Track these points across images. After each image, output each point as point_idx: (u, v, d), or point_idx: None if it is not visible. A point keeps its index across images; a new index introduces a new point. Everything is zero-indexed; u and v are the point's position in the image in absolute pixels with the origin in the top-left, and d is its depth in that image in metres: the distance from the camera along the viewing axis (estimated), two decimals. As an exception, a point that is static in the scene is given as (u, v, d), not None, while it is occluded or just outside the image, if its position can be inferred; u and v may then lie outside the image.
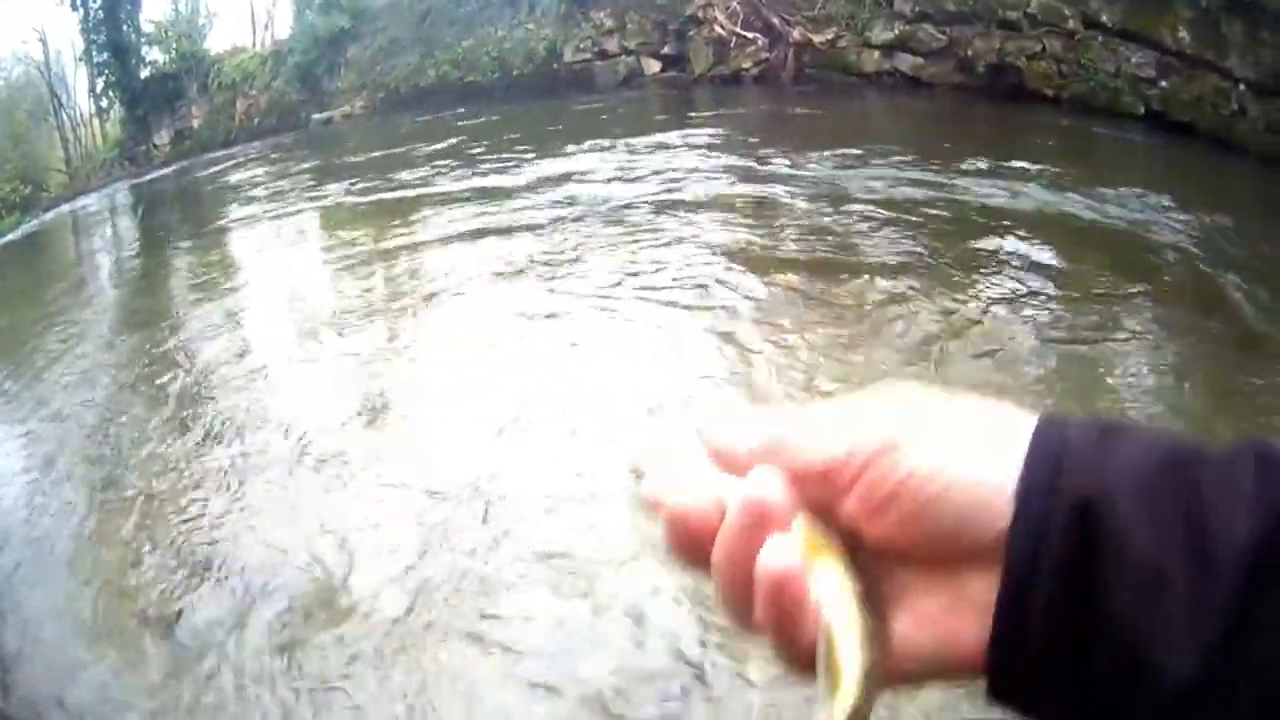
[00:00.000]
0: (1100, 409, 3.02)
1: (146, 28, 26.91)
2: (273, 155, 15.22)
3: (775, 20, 12.64)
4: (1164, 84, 8.97)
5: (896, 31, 11.51)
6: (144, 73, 26.52)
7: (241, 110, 22.81)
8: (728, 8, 13.06)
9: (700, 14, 13.40)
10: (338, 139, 15.48)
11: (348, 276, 6.19)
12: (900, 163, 6.77)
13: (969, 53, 10.88)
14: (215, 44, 26.66)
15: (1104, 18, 9.56)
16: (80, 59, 29.41)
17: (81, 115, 35.46)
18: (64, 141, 35.05)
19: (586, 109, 12.37)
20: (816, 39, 12.27)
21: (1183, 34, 8.75)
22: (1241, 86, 8.15)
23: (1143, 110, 9.13)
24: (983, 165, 6.61)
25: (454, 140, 11.23)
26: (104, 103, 28.46)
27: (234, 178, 13.30)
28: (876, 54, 11.76)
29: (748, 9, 12.90)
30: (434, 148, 10.92)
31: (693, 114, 10.96)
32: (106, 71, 26.88)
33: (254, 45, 24.88)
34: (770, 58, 12.58)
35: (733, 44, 12.95)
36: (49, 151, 37.34)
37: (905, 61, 11.53)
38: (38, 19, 35.83)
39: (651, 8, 14.01)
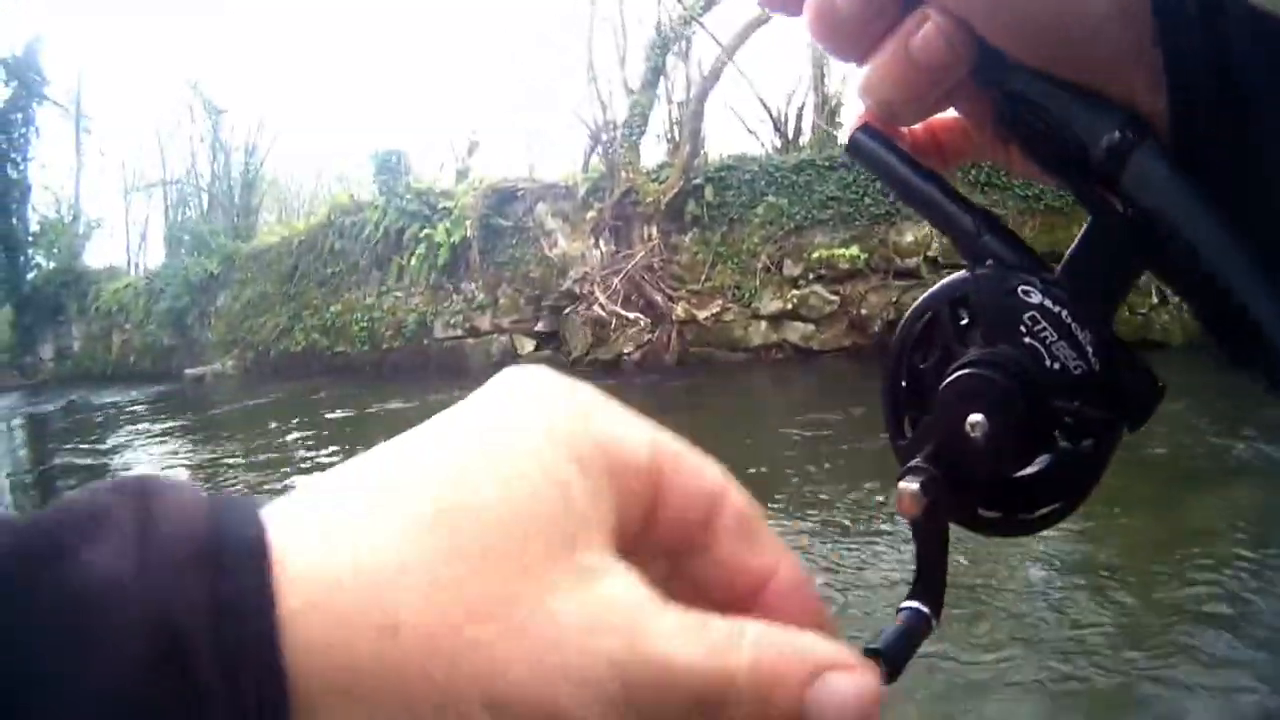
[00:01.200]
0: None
1: (34, 226, 25.39)
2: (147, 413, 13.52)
3: (658, 297, 11.30)
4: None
5: (786, 298, 10.70)
6: (30, 275, 24.84)
7: (118, 344, 21.05)
8: (607, 285, 11.47)
9: (577, 289, 11.81)
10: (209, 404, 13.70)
11: None
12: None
13: (862, 312, 10.29)
14: (94, 258, 24.80)
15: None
16: None
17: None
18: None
19: (449, 399, 10.46)
20: (701, 315, 11.10)
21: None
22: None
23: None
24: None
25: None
26: None
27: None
28: (764, 325, 10.89)
29: (628, 285, 11.40)
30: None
31: None
32: None
33: (129, 269, 22.91)
34: (653, 339, 11.30)
35: (613, 324, 11.46)
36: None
37: (795, 330, 10.78)
38: None
39: (524, 281, 12.44)
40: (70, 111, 25.38)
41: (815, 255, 10.25)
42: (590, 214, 12.00)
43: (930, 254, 9.80)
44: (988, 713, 2.73)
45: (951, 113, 0.33)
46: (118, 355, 21.11)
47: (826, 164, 10.45)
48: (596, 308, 11.52)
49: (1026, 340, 0.29)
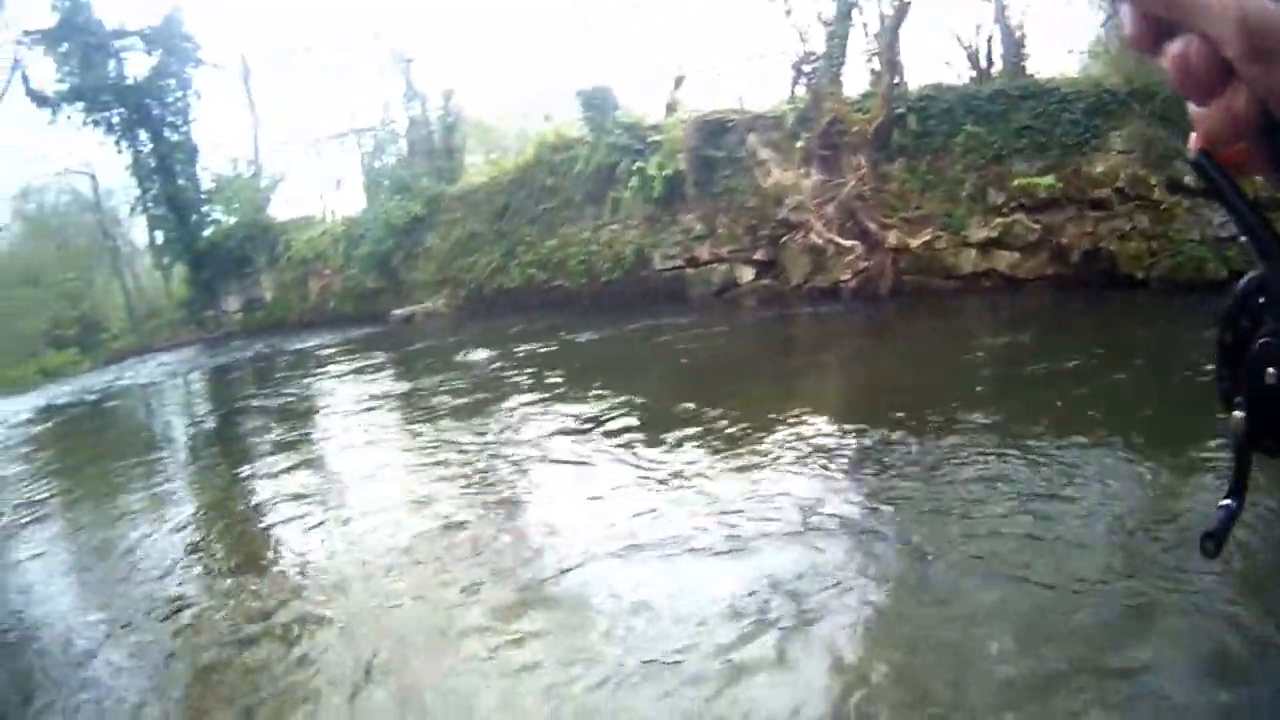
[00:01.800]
0: None
1: (206, 183, 32.50)
2: (357, 351, 18.81)
3: (871, 225, 14.91)
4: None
5: (991, 226, 13.86)
6: (207, 232, 31.99)
7: (316, 290, 26.95)
8: (821, 213, 15.26)
9: (792, 217, 15.69)
10: (424, 344, 18.88)
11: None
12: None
13: (1063, 241, 13.23)
14: (279, 210, 31.18)
15: (1187, 179, 11.81)
16: (135, 207, 34.97)
17: (142, 264, 41.06)
18: (125, 290, 40.39)
19: (676, 333, 14.59)
20: (913, 243, 14.61)
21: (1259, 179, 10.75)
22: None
23: (1225, 274, 11.22)
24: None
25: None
26: (165, 259, 34.16)
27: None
28: (974, 253, 14.11)
29: (842, 213, 15.14)
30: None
31: (792, 357, 12.82)
32: (165, 226, 32.57)
33: (323, 217, 28.90)
34: (868, 266, 14.85)
35: (829, 252, 15.22)
36: (107, 296, 43.37)
37: (1002, 259, 13.88)
38: (82, 152, 41.54)
39: (741, 211, 16.55)
40: (235, 71, 32.27)
41: (1016, 184, 13.55)
42: (799, 143, 15.88)
43: (1119, 185, 12.71)
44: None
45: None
46: (315, 301, 27.26)
47: (1018, 93, 13.88)
48: (813, 235, 15.46)
49: None
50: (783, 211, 15.95)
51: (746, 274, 16.70)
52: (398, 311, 22.72)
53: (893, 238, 14.63)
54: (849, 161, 15.09)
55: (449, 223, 22.62)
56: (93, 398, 21.62)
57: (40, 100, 30.35)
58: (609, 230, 18.71)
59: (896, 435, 7.16)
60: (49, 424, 18.72)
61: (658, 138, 17.85)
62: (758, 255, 16.55)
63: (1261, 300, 0.55)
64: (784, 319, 15.03)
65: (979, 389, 8.64)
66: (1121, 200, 12.67)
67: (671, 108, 19.05)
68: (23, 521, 9.81)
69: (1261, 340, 0.54)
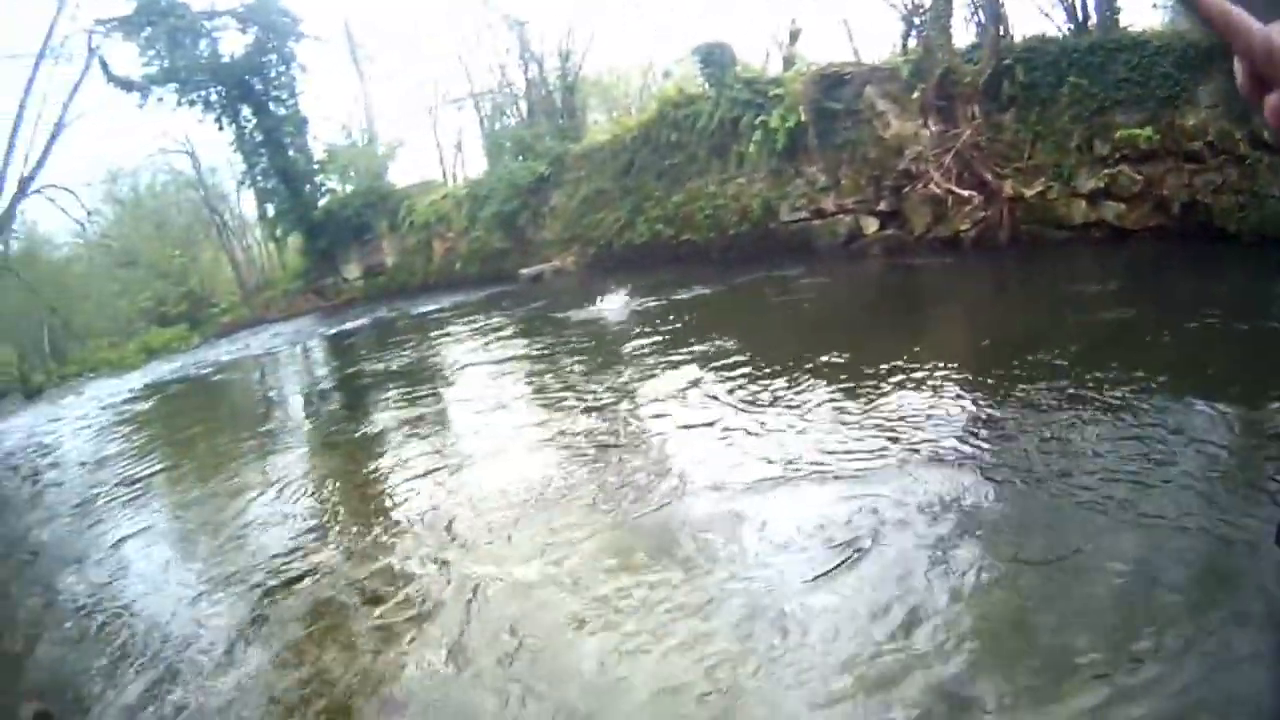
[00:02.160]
0: None
1: (318, 154, 36.88)
2: (485, 310, 20.53)
3: (987, 175, 17.41)
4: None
5: (1099, 177, 15.97)
6: (322, 201, 36.35)
7: (440, 252, 30.97)
8: (940, 163, 18.02)
9: (912, 168, 18.52)
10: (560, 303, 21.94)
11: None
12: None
13: (1164, 193, 15.20)
14: (398, 176, 35.37)
15: (1265, 134, 13.57)
16: (242, 181, 39.90)
17: (252, 238, 45.68)
18: (234, 264, 44.94)
19: (805, 284, 17.38)
20: (1027, 192, 16.96)
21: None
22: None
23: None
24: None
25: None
26: (278, 230, 38.64)
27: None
28: (1084, 203, 16.27)
29: (959, 164, 17.75)
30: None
31: (919, 307, 14.94)
32: (276, 198, 36.99)
33: (445, 180, 32.85)
34: (986, 216, 17.40)
35: (949, 202, 17.89)
36: (215, 271, 48.08)
37: (1110, 210, 15.94)
38: (178, 130, 46.06)
39: (863, 162, 19.52)
40: (340, 42, 37.00)
41: (1119, 135, 15.58)
42: (915, 95, 18.68)
43: (1209, 139, 14.47)
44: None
45: None
46: (440, 264, 31.43)
47: (1114, 46, 15.95)
48: (932, 186, 18.20)
49: None
50: (903, 162, 18.70)
51: (871, 225, 19.59)
52: (526, 271, 26.64)
53: (1008, 187, 17.02)
54: (963, 112, 17.77)
55: (574, 181, 26.42)
56: (204, 371, 24.53)
57: (126, 85, 34.42)
58: (735, 184, 21.99)
59: (1020, 385, 8.09)
60: (152, 401, 21.29)
61: (778, 91, 20.90)
62: (881, 206, 19.38)
63: None
64: (909, 269, 17.38)
65: (1101, 340, 9.41)
66: (1212, 154, 14.47)
67: (789, 61, 22.18)
68: (123, 499, 10.98)
69: None
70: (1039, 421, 7.04)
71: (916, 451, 6.86)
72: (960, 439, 7.00)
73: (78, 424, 19.66)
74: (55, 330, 40.90)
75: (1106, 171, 15.72)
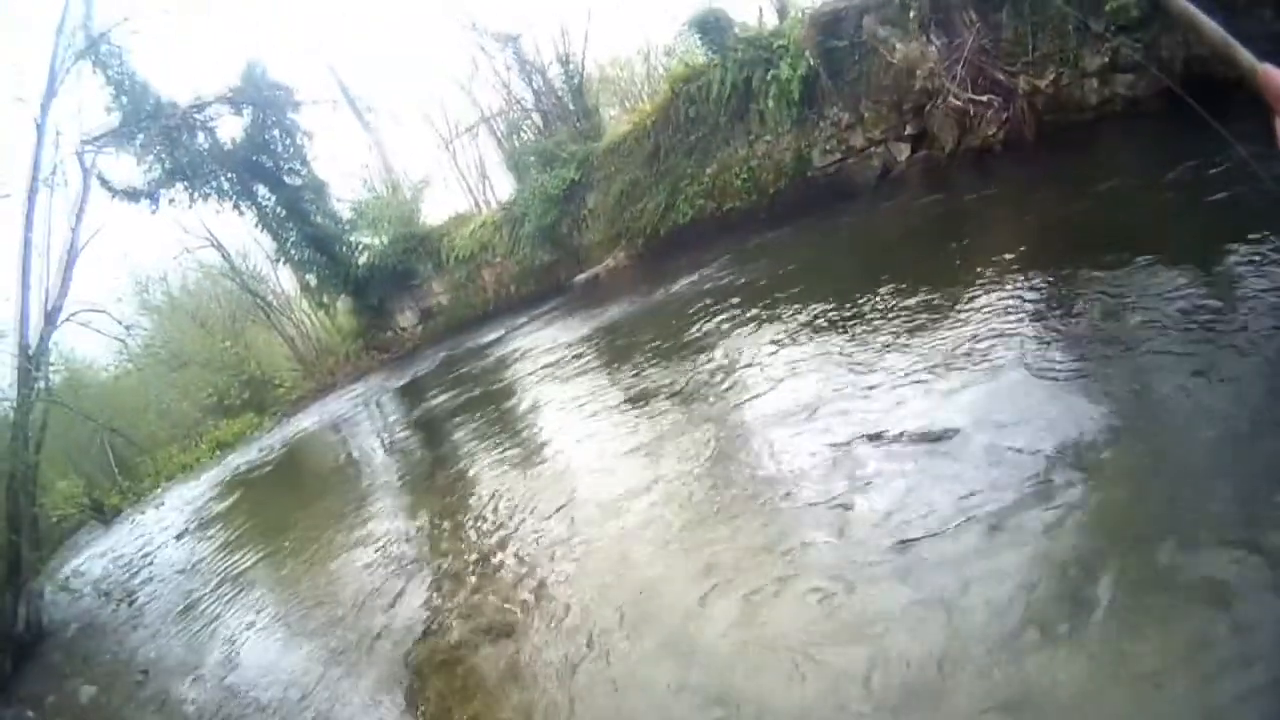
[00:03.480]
0: None
1: (345, 213, 38.11)
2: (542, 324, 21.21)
3: (1000, 76, 18.11)
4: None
5: (1102, 52, 16.51)
6: (361, 258, 37.63)
7: (490, 280, 32.41)
8: (954, 75, 18.79)
9: (929, 85, 19.35)
10: (613, 300, 22.85)
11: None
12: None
13: (1163, 54, 15.13)
14: (429, 214, 36.81)
15: None
16: (276, 258, 41.12)
17: (301, 311, 47.06)
18: (287, 340, 46.45)
19: (853, 222, 18.36)
20: (1041, 84, 17.57)
21: None
22: None
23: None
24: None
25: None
26: (324, 297, 39.87)
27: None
28: (1095, 82, 16.77)
29: (972, 71, 18.51)
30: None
31: (968, 222, 15.35)
32: (315, 266, 38.25)
33: (477, 209, 34.18)
34: (1009, 117, 18.06)
35: (971, 112, 18.67)
36: (270, 352, 49.55)
37: (1120, 82, 16.45)
38: (196, 224, 47.76)
39: (880, 91, 20.42)
40: (339, 101, 38.31)
41: (1110, 6, 15.74)
42: (911, 14, 19.46)
43: None
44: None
45: None
46: (493, 291, 33.03)
47: None
48: (951, 99, 18.95)
49: None
50: (918, 83, 19.54)
51: (903, 151, 20.44)
52: (579, 277, 27.96)
53: (1023, 83, 17.64)
54: (961, 20, 18.48)
55: (606, 179, 27.53)
56: (280, 452, 25.39)
57: (133, 196, 35.05)
58: (763, 143, 22.99)
59: (1082, 272, 8.44)
60: (235, 494, 21.65)
61: (781, 43, 21.83)
62: (908, 130, 20.23)
63: None
64: (948, 187, 17.61)
65: (1143, 220, 9.64)
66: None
67: (783, 11, 23.12)
68: (225, 598, 11.45)
69: None
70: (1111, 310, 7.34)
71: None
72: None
73: (163, 535, 20.17)
74: (120, 449, 41.42)
75: (1107, 45, 16.22)
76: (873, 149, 21.03)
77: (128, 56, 33.46)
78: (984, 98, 18.26)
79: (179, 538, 18.66)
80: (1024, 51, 17.68)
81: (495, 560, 8.19)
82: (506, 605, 7.13)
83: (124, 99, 33.62)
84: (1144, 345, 6.50)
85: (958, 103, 18.75)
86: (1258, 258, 6.90)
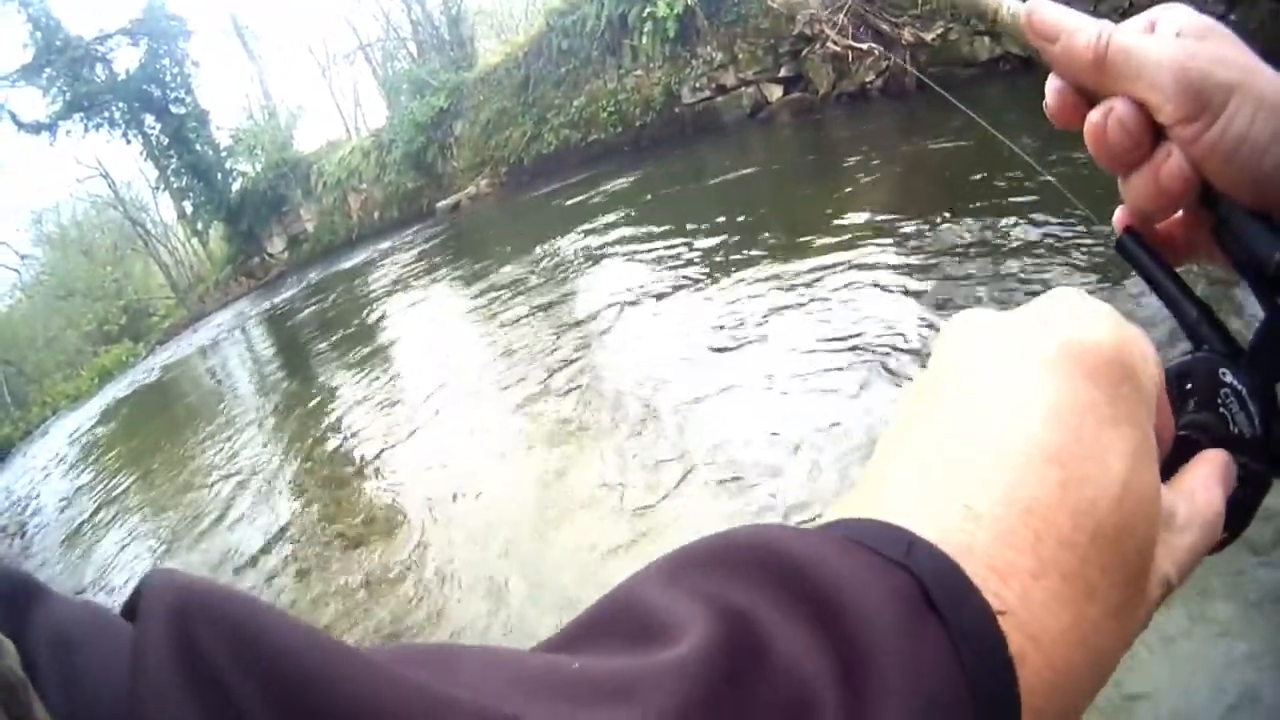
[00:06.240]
0: None
1: (223, 140, 35.64)
2: (407, 249, 20.56)
3: (884, 26, 16.23)
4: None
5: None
6: (235, 185, 34.93)
7: (357, 206, 29.40)
8: (834, 22, 16.80)
9: (808, 30, 17.25)
10: (476, 224, 21.11)
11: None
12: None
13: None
14: (305, 142, 33.64)
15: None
16: (157, 186, 38.36)
17: (176, 238, 44.14)
18: (163, 267, 43.32)
19: (718, 159, 16.31)
20: (928, 37, 15.79)
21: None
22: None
23: None
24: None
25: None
26: (199, 224, 37.26)
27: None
28: (988, 40, 15.10)
29: (854, 20, 16.55)
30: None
31: (834, 163, 13.65)
32: (192, 193, 35.91)
33: (350, 136, 31.21)
34: (889, 65, 16.21)
35: (849, 58, 16.66)
36: (147, 280, 46.52)
37: (1013, 43, 15.05)
38: (87, 155, 44.96)
39: (757, 34, 18.18)
40: (228, 29, 35.72)
41: None
42: None
43: None
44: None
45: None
46: (359, 216, 29.90)
47: None
48: (830, 45, 16.96)
49: (1220, 410, 0.53)
50: (796, 27, 17.43)
51: (775, 92, 18.27)
52: (442, 203, 25.07)
53: (907, 34, 15.87)
54: None
55: (474, 107, 24.66)
56: (150, 380, 24.07)
57: (35, 129, 33.58)
58: (633, 77, 20.47)
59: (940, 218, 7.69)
60: (111, 424, 20.68)
61: (659, -22, 19.37)
62: (782, 73, 18.09)
63: (1187, 386, 0.56)
64: (817, 126, 16.35)
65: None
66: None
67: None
68: (104, 521, 11.00)
69: (1179, 434, 0.53)
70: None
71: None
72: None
73: (49, 468, 19.12)
74: (13, 379, 40.74)
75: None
76: (743, 89, 18.74)
77: (47, -7, 32.04)
78: (865, 45, 16.29)
79: (64, 469, 17.91)
80: (912, 4, 15.80)
81: (349, 471, 7.92)
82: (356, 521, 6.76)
83: (39, 35, 32.41)
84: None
85: (836, 48, 16.65)
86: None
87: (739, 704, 0.33)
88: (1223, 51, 0.50)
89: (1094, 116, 0.54)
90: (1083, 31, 0.54)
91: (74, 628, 0.34)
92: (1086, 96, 0.55)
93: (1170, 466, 0.49)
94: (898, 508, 0.40)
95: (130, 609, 0.33)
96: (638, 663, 0.36)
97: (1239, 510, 0.51)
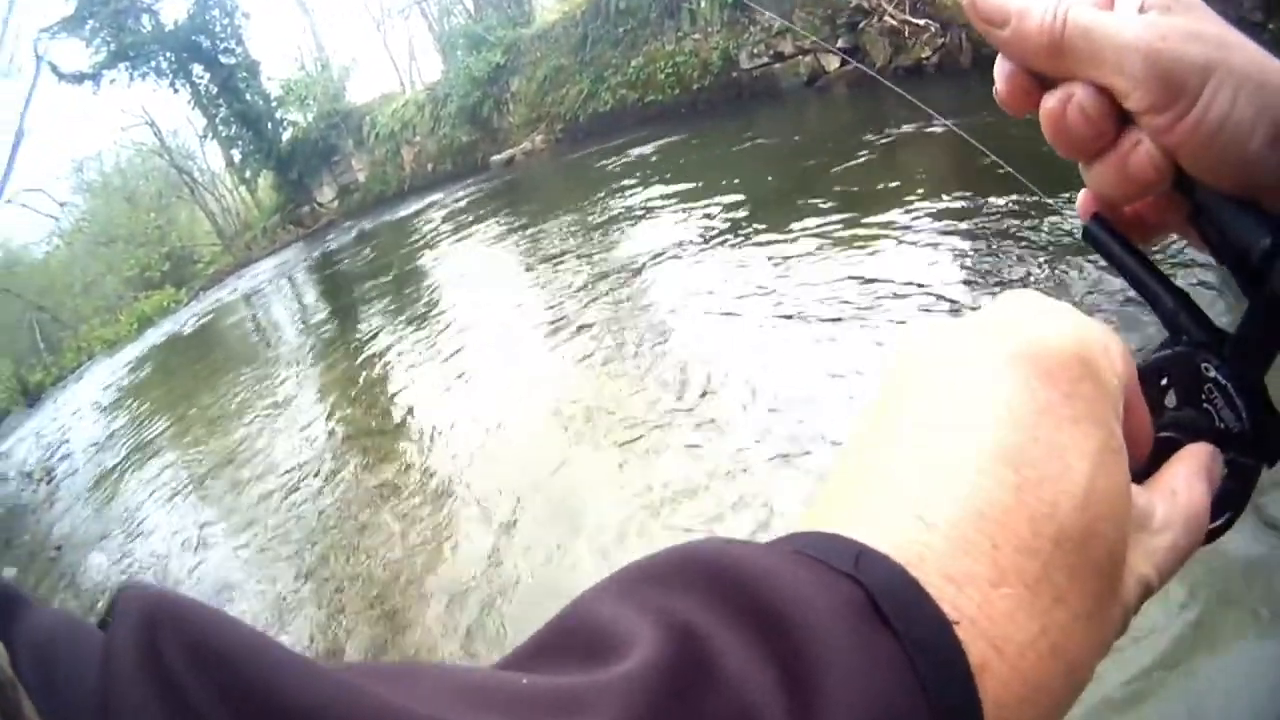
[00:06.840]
0: None
1: (274, 90, 35.53)
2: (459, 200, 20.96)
3: (946, 1, 16.09)
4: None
5: None
6: (286, 135, 34.88)
7: (409, 158, 29.52)
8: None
9: (865, 3, 17.20)
10: (530, 178, 21.28)
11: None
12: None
13: None
14: (357, 94, 33.66)
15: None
16: (205, 134, 38.30)
17: (224, 186, 44.17)
18: (209, 215, 43.41)
19: (772, 125, 16.58)
20: None
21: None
22: None
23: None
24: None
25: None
26: (247, 173, 37.28)
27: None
28: None
29: None
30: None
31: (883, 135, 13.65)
32: (240, 142, 35.86)
33: (404, 90, 31.25)
34: (945, 42, 16.14)
35: (906, 32, 16.61)
36: (192, 227, 46.63)
37: None
38: (135, 105, 44.91)
39: (815, 3, 18.08)
40: None
41: None
42: None
43: None
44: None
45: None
46: (412, 168, 30.09)
47: None
48: (887, 18, 16.88)
49: (1204, 405, 0.50)
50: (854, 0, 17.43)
51: (832, 62, 18.27)
52: (496, 157, 25.23)
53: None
54: None
55: (531, 64, 24.75)
56: (193, 327, 24.13)
57: (78, 79, 33.29)
58: (691, 40, 20.51)
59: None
60: (148, 367, 20.87)
61: (723, -55, 19.35)
62: (840, 44, 17.86)
63: (1164, 382, 0.52)
64: (875, 98, 15.81)
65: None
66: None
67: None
68: (134, 467, 11.08)
69: (1160, 435, 0.50)
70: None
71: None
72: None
73: (82, 412, 19.11)
74: (47, 326, 40.48)
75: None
76: (801, 56, 18.77)
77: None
78: (921, 21, 16.24)
79: (96, 413, 17.76)
80: (971, -17, 15.73)
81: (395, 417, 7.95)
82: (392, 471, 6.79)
83: (81, -15, 31.30)
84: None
85: (893, 22, 16.61)
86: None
87: (686, 719, 0.34)
88: (1193, 26, 0.46)
89: (1050, 103, 0.49)
90: (1033, 11, 0.49)
91: (53, 636, 0.37)
92: (1040, 79, 0.50)
93: (1152, 465, 0.48)
94: (852, 520, 0.41)
95: (104, 619, 0.35)
96: (586, 679, 0.36)
97: (1228, 502, 0.50)
